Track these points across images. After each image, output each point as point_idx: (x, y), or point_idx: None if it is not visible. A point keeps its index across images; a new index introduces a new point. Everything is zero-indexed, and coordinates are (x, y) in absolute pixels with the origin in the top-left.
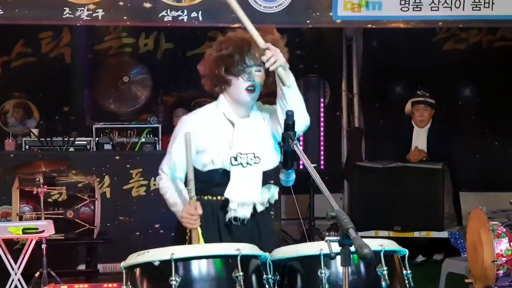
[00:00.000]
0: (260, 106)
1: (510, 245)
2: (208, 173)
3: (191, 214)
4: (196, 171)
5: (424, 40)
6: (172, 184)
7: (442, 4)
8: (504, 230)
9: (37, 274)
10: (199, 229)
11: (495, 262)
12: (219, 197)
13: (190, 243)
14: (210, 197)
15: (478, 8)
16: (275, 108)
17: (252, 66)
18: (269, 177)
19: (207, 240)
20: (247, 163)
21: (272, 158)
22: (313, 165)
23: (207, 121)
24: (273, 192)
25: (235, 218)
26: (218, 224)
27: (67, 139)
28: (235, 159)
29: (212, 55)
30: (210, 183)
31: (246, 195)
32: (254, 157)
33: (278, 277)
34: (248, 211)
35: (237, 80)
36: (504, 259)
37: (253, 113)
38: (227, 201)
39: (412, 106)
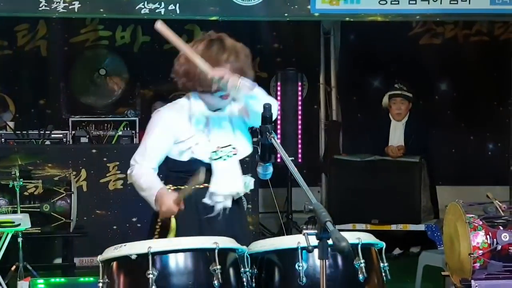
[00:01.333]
0: None
1: (486, 238)
2: (187, 162)
3: (169, 199)
4: (172, 161)
5: (401, 34)
6: (146, 170)
7: None
8: (481, 223)
9: (13, 268)
10: (173, 220)
11: (472, 255)
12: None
13: (160, 235)
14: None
15: (456, 2)
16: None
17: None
18: (245, 167)
19: (186, 230)
20: (227, 155)
21: (246, 146)
22: (291, 158)
23: (182, 114)
24: (249, 181)
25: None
26: (197, 213)
27: (43, 132)
28: (216, 153)
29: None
30: (189, 172)
31: (230, 187)
32: (233, 148)
33: (255, 270)
34: (230, 201)
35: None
36: (480, 251)
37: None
38: (205, 190)
39: (389, 99)
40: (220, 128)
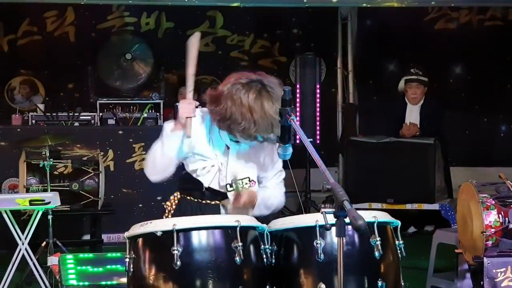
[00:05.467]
0: None
1: (498, 216)
2: (195, 179)
3: (189, 102)
4: (183, 169)
5: (416, 19)
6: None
7: None
8: (493, 202)
9: (43, 244)
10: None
11: (484, 233)
12: (199, 200)
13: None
14: (192, 198)
15: None
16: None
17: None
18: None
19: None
20: (242, 187)
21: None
22: (310, 139)
23: (206, 128)
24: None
25: None
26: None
27: (72, 114)
28: (231, 185)
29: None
30: (194, 185)
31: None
32: (249, 181)
33: (275, 247)
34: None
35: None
36: (493, 230)
37: None
38: (207, 205)
39: (405, 84)
40: (239, 159)
